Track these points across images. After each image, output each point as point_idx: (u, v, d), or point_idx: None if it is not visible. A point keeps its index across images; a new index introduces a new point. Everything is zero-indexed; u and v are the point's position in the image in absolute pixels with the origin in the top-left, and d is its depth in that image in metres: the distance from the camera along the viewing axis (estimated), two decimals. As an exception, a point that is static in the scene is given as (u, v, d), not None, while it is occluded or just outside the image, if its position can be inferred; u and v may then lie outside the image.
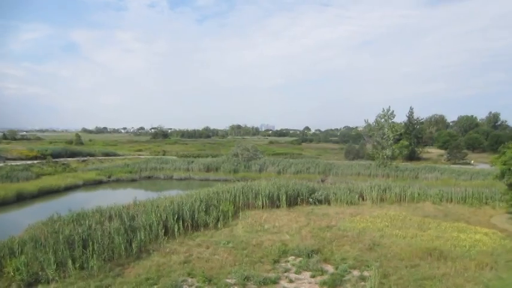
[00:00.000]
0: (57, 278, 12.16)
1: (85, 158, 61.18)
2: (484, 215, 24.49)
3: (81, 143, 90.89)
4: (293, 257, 15.26)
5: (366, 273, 13.29)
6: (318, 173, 47.58)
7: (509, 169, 22.19)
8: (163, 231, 17.33)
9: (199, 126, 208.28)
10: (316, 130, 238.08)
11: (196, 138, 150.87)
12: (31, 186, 34.12)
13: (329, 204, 27.35)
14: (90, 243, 14.17)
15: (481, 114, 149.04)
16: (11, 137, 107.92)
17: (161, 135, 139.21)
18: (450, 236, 18.42)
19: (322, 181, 41.16)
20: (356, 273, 13.53)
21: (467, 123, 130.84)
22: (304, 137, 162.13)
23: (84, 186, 39.78)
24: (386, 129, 50.19)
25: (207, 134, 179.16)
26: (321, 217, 22.87)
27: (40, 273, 12.20)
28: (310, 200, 27.23)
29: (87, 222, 17.07)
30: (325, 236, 18.34)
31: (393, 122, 51.44)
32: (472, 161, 66.51)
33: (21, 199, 31.27)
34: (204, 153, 73.52)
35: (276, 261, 14.60)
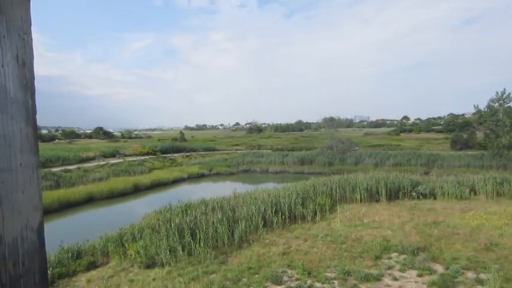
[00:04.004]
0: (170, 262, 13.43)
1: (188, 154, 66.51)
2: None
3: (184, 140, 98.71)
4: (396, 254, 14.52)
5: (482, 276, 12.04)
6: (420, 165, 44.30)
7: None
8: (262, 222, 17.80)
9: (291, 120, 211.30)
10: (415, 119, 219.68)
11: (289, 132, 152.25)
12: (145, 179, 38.46)
13: (435, 198, 25.29)
14: (197, 231, 15.31)
15: None
16: (127, 136, 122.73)
17: (256, 130, 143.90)
18: None
19: (426, 173, 38.23)
20: (470, 275, 12.34)
21: None
22: (402, 127, 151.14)
23: (189, 179, 43.30)
24: (501, 115, 44.41)
25: (299, 127, 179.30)
26: (426, 212, 21.30)
27: (156, 257, 13.59)
28: (413, 193, 25.52)
29: (193, 212, 18.58)
30: (431, 233, 17.05)
31: (510, 106, 45.36)
32: None
33: (137, 190, 35.43)
34: (297, 147, 73.86)
35: (377, 257, 14.01)
